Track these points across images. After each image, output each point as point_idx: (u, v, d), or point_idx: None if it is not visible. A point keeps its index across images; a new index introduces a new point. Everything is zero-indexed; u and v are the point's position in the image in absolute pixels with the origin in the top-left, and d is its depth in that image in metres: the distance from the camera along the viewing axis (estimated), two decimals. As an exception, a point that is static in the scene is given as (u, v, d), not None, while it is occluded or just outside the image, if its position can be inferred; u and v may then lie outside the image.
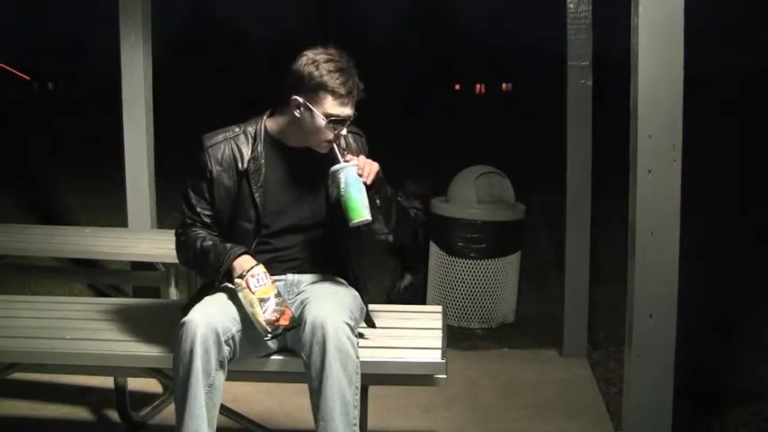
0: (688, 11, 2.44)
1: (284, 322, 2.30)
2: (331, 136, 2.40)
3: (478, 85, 49.78)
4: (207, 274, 2.48)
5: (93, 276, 4.78)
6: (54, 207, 8.02)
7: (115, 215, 5.40)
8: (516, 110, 24.92)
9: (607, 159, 4.74)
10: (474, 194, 4.70)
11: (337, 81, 2.34)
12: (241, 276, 2.32)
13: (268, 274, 2.34)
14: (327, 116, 2.36)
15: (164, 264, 3.62)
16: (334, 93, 2.34)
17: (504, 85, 49.82)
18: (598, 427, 3.30)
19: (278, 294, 2.33)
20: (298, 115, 2.40)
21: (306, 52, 2.39)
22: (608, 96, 5.32)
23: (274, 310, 2.29)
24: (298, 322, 2.33)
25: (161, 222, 4.33)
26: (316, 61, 2.35)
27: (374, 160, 2.45)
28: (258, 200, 2.44)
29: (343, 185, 2.33)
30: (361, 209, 2.32)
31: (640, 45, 2.47)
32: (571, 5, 3.85)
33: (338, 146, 2.43)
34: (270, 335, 2.29)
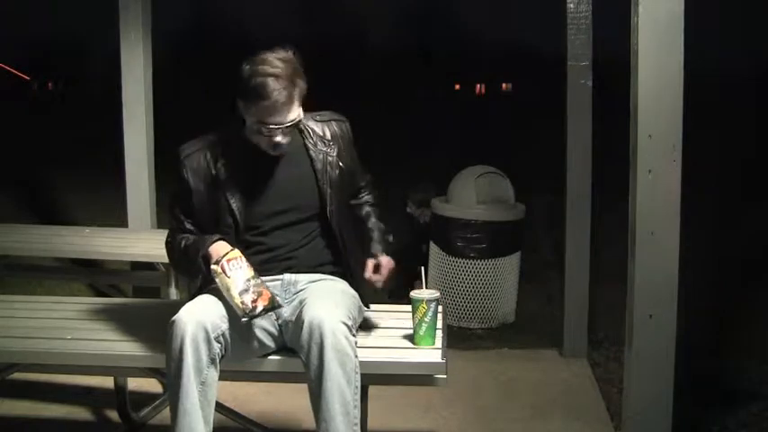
0: (688, 11, 2.44)
1: (263, 303, 2.30)
2: (270, 140, 2.38)
3: (478, 86, 49.76)
4: (191, 268, 2.46)
5: (93, 276, 4.79)
6: (54, 207, 8.01)
7: (115, 215, 5.41)
8: (516, 110, 24.91)
9: (607, 159, 4.74)
10: (474, 194, 4.70)
11: (265, 90, 2.29)
12: (216, 262, 2.33)
13: (244, 259, 2.35)
14: (260, 123, 2.36)
15: (164, 264, 3.62)
16: (261, 101, 2.31)
17: (504, 85, 49.78)
18: (598, 427, 3.30)
19: (255, 277, 2.33)
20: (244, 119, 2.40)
21: (255, 57, 2.36)
22: (608, 96, 5.31)
23: (252, 292, 2.29)
24: (278, 304, 2.35)
25: (161, 222, 4.33)
26: (252, 68, 2.32)
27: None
28: (233, 205, 2.45)
29: (429, 315, 2.45)
30: (434, 337, 2.48)
31: (640, 45, 2.47)
32: (571, 5, 3.85)
33: (425, 275, 2.58)
34: (247, 317, 2.29)
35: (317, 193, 2.51)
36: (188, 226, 2.50)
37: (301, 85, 2.36)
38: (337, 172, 2.52)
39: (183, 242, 2.47)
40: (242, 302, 2.28)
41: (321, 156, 2.52)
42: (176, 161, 2.50)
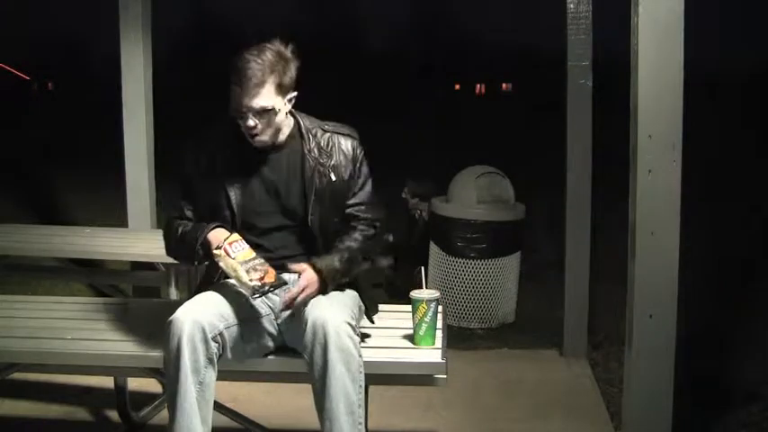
0: (688, 11, 2.44)
1: (269, 280, 2.33)
2: (246, 126, 2.39)
3: (478, 86, 49.70)
4: (188, 255, 2.47)
5: (93, 276, 4.78)
6: (54, 207, 8.01)
7: (115, 215, 5.41)
8: (516, 110, 24.91)
9: (607, 159, 4.74)
10: (474, 194, 4.70)
11: (242, 69, 2.34)
12: (218, 247, 2.35)
13: (244, 241, 2.38)
14: (235, 107, 2.38)
15: (164, 264, 3.62)
16: (236, 79, 2.35)
17: (504, 85, 49.71)
18: (598, 427, 3.30)
19: (257, 257, 2.36)
20: None
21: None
22: (608, 96, 5.31)
23: (258, 270, 2.32)
24: (283, 280, 2.37)
25: (161, 222, 4.32)
26: (240, 54, 2.37)
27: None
28: (233, 199, 2.46)
29: (429, 315, 2.47)
30: (434, 337, 2.50)
31: (640, 45, 2.47)
32: (571, 5, 3.85)
33: (425, 275, 2.54)
34: (258, 293, 2.31)
35: (302, 200, 2.50)
36: (188, 214, 2.52)
37: (284, 76, 2.37)
38: (325, 182, 2.50)
39: (180, 228, 2.48)
40: (250, 280, 2.30)
41: (313, 163, 2.50)
42: (183, 151, 2.53)
